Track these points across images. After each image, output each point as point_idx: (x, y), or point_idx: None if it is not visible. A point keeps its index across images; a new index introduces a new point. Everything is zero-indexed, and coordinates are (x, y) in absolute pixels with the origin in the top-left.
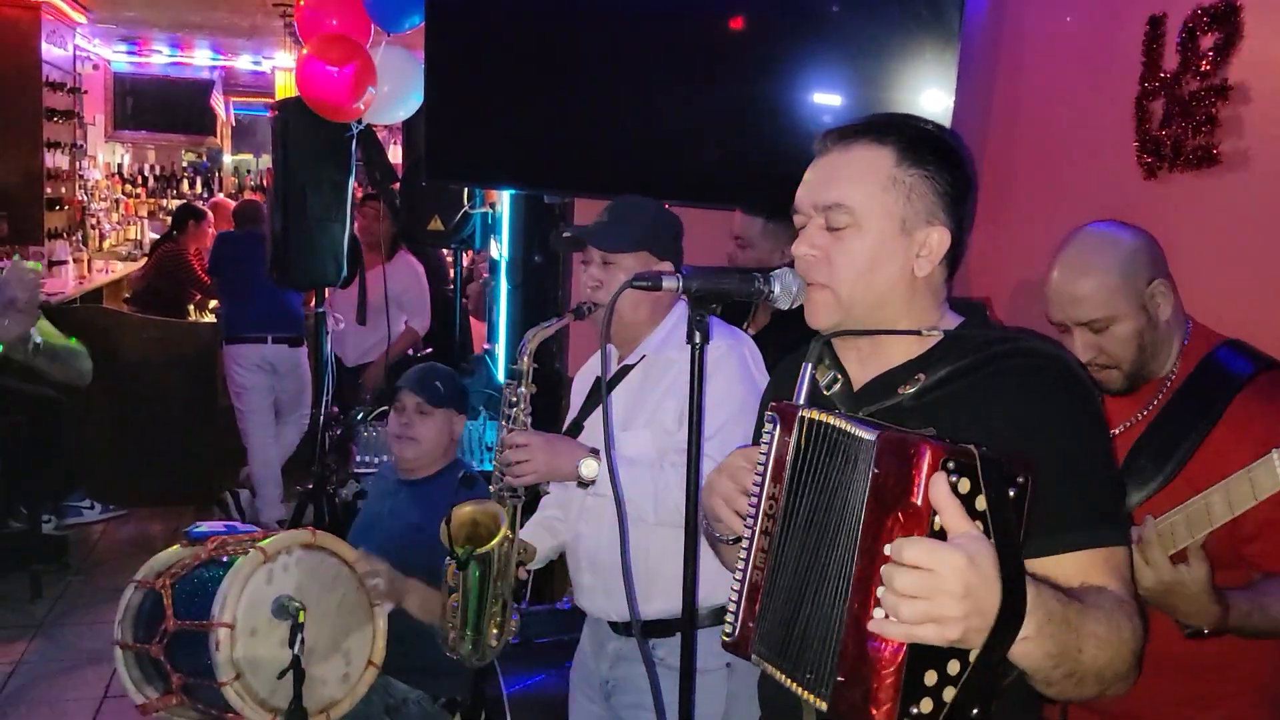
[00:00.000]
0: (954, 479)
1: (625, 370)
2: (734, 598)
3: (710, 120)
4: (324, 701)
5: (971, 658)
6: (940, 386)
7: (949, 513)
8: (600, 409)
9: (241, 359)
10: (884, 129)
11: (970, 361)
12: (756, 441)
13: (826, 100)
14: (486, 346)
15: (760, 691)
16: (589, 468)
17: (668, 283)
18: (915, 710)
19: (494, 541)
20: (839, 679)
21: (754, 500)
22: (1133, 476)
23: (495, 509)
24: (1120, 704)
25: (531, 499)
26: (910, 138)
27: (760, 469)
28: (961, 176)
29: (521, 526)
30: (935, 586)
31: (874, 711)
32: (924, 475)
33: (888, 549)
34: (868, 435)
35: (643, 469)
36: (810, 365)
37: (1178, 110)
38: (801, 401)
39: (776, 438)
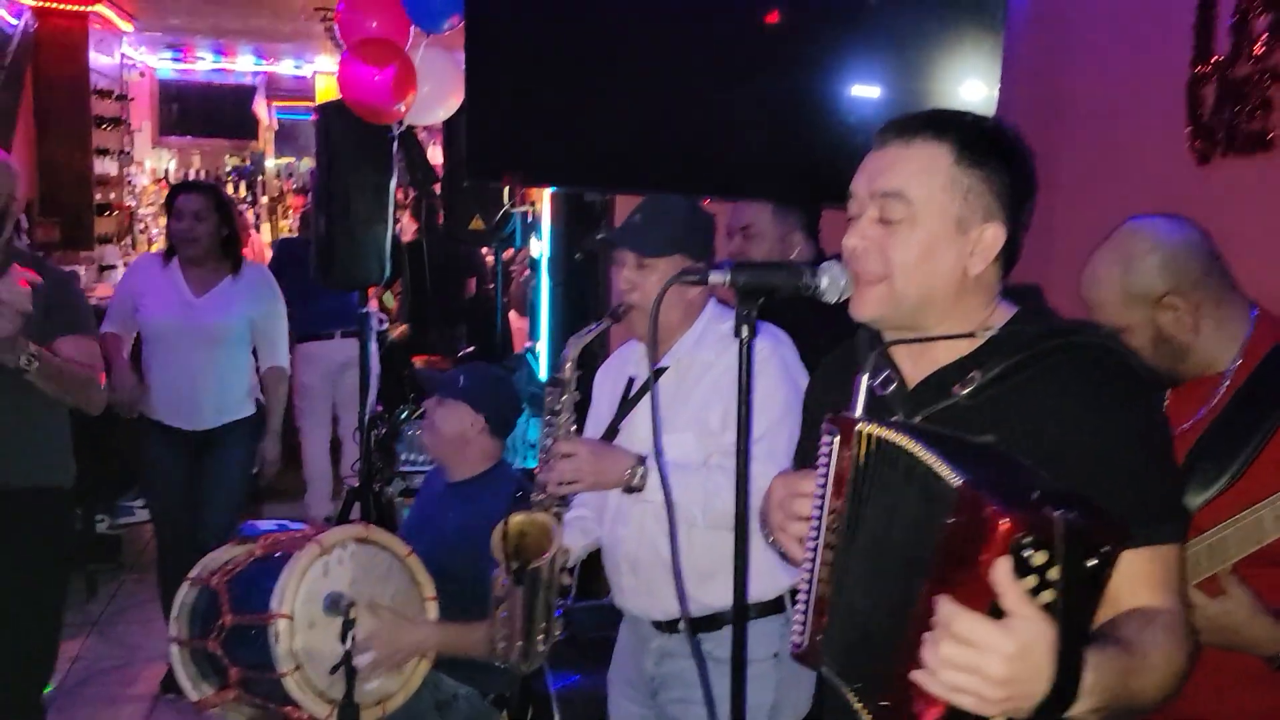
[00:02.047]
0: (1028, 553)
1: (658, 373)
2: (800, 608)
3: (749, 114)
4: (378, 694)
5: None
6: (995, 384)
7: (1011, 597)
8: (636, 410)
9: (311, 359)
10: (945, 125)
11: (1024, 357)
12: (803, 444)
13: (866, 92)
14: (528, 344)
15: (825, 706)
16: (639, 475)
17: (715, 277)
18: None
19: (545, 557)
20: (883, 703)
21: (816, 514)
22: (1194, 478)
23: (546, 521)
24: (1195, 711)
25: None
26: (970, 136)
27: (821, 482)
28: (1021, 176)
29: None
30: (978, 665)
31: None
32: (994, 551)
33: (943, 603)
34: (955, 480)
35: (690, 473)
36: (865, 377)
37: (1230, 95)
38: (859, 414)
39: (836, 451)
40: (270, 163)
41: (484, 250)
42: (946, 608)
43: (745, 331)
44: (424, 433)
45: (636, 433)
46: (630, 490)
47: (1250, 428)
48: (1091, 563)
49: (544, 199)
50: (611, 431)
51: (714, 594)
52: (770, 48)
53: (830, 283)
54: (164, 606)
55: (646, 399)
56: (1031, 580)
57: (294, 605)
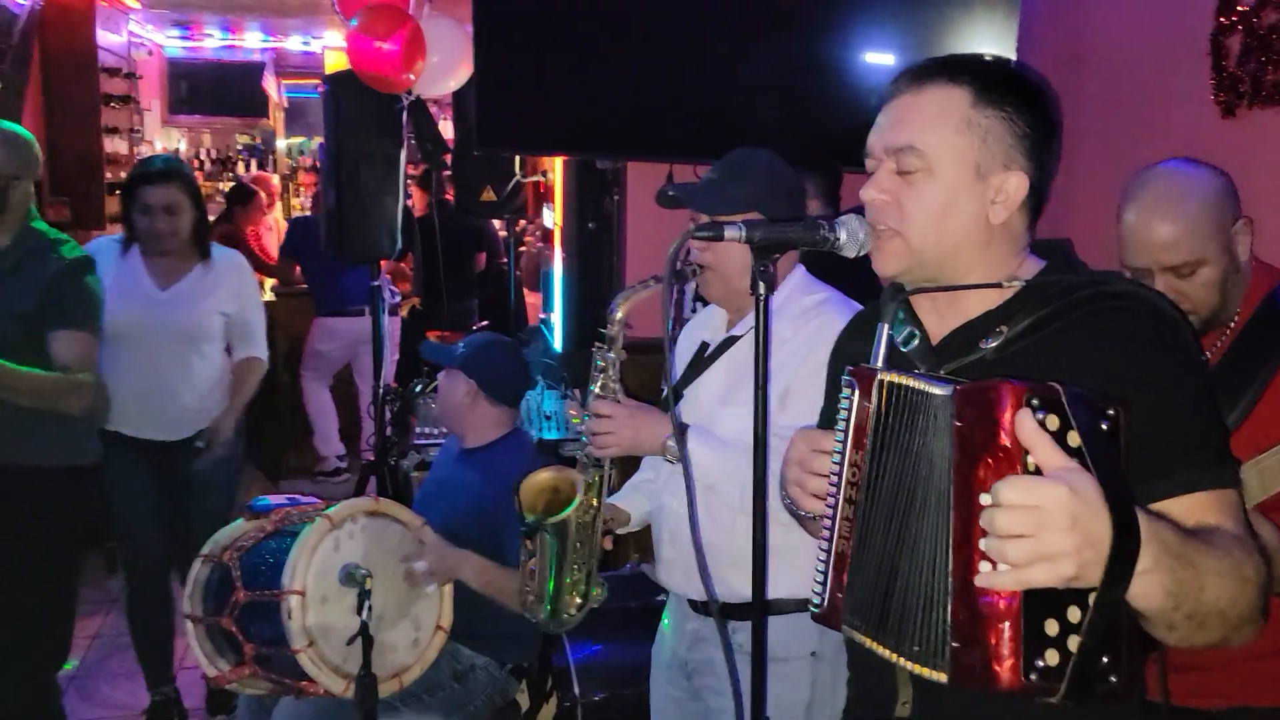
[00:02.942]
0: (1040, 416)
1: (730, 341)
2: (820, 568)
3: (763, 80)
4: (395, 667)
5: (1091, 599)
6: (1024, 337)
7: (1041, 448)
8: (703, 377)
9: (336, 332)
10: (959, 68)
11: (1054, 309)
12: (828, 406)
13: (880, 56)
14: (542, 316)
15: (851, 662)
16: (675, 445)
17: (730, 232)
18: (1041, 663)
19: (568, 511)
20: (954, 645)
21: (835, 469)
22: None
23: (574, 476)
24: (1189, 655)
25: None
26: (987, 77)
27: (840, 436)
28: (1042, 118)
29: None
30: (1041, 522)
31: (997, 669)
32: (1009, 416)
33: (984, 498)
34: (942, 391)
35: (737, 453)
36: (886, 325)
37: (1256, 45)
38: (879, 364)
39: (855, 403)
40: (281, 143)
41: (496, 223)
42: (991, 489)
43: (761, 288)
44: (435, 402)
45: (700, 400)
46: (671, 460)
47: (1250, 374)
48: (1104, 425)
49: (555, 168)
50: (675, 396)
51: (746, 582)
52: (782, 13)
53: (849, 236)
54: (137, 646)
55: (713, 367)
56: (1055, 443)
57: (305, 581)
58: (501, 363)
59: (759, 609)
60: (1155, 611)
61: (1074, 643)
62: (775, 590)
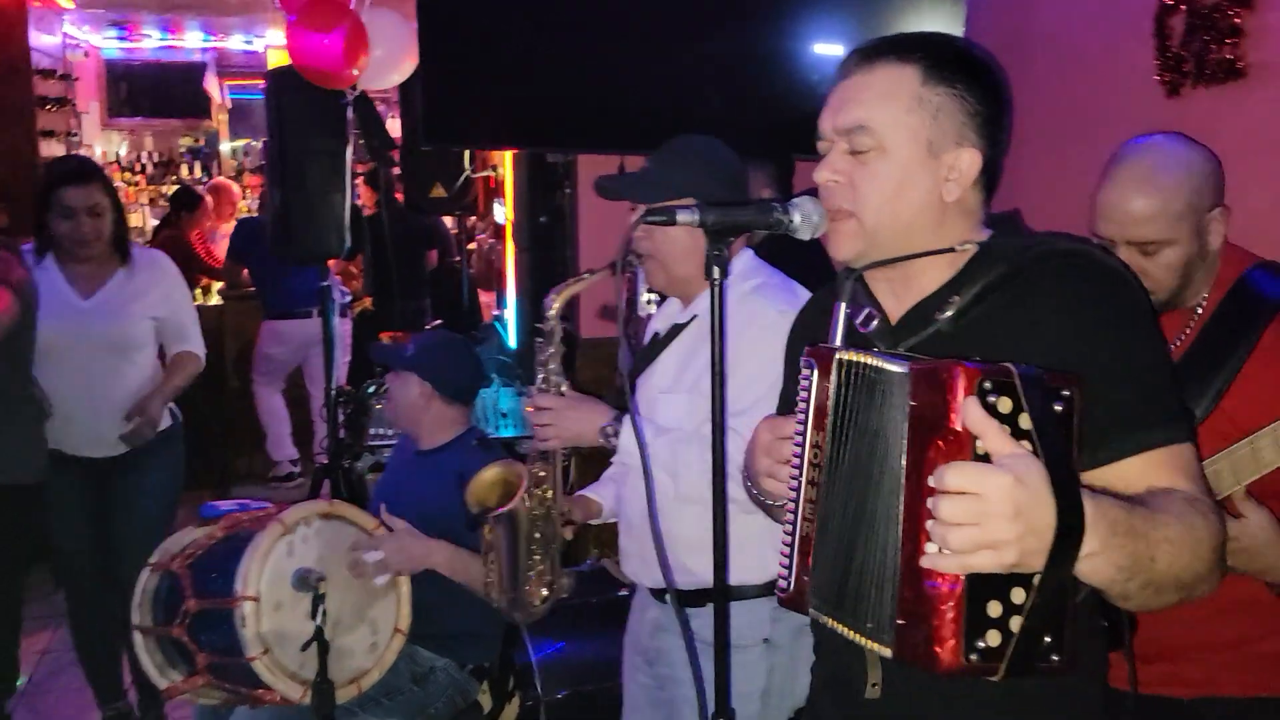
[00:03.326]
0: (992, 399)
1: (677, 329)
2: (785, 551)
3: (714, 69)
4: (353, 672)
5: (1035, 582)
6: (977, 304)
7: (990, 435)
8: (654, 366)
9: (285, 335)
10: (909, 46)
11: (1004, 272)
12: (787, 392)
13: (830, 46)
14: (496, 313)
15: (818, 646)
16: (612, 434)
17: (683, 216)
18: (982, 644)
19: (511, 503)
20: (899, 623)
21: (798, 451)
22: None
23: (520, 468)
24: (1179, 642)
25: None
26: (937, 55)
27: (801, 418)
28: (993, 95)
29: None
30: (983, 510)
31: (938, 651)
32: (960, 399)
33: (932, 480)
34: (899, 368)
35: (664, 439)
36: (844, 304)
37: (1199, 23)
38: (838, 343)
39: (815, 384)
40: (226, 146)
41: (447, 220)
42: (936, 473)
43: (716, 272)
44: (387, 406)
45: (649, 389)
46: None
47: (1219, 361)
48: (1058, 406)
49: (506, 163)
50: (630, 385)
51: (702, 567)
52: (729, 4)
53: (803, 218)
54: (83, 663)
55: (663, 355)
56: (1005, 428)
57: (259, 587)
58: (454, 361)
59: (721, 594)
60: (1106, 585)
61: (1016, 624)
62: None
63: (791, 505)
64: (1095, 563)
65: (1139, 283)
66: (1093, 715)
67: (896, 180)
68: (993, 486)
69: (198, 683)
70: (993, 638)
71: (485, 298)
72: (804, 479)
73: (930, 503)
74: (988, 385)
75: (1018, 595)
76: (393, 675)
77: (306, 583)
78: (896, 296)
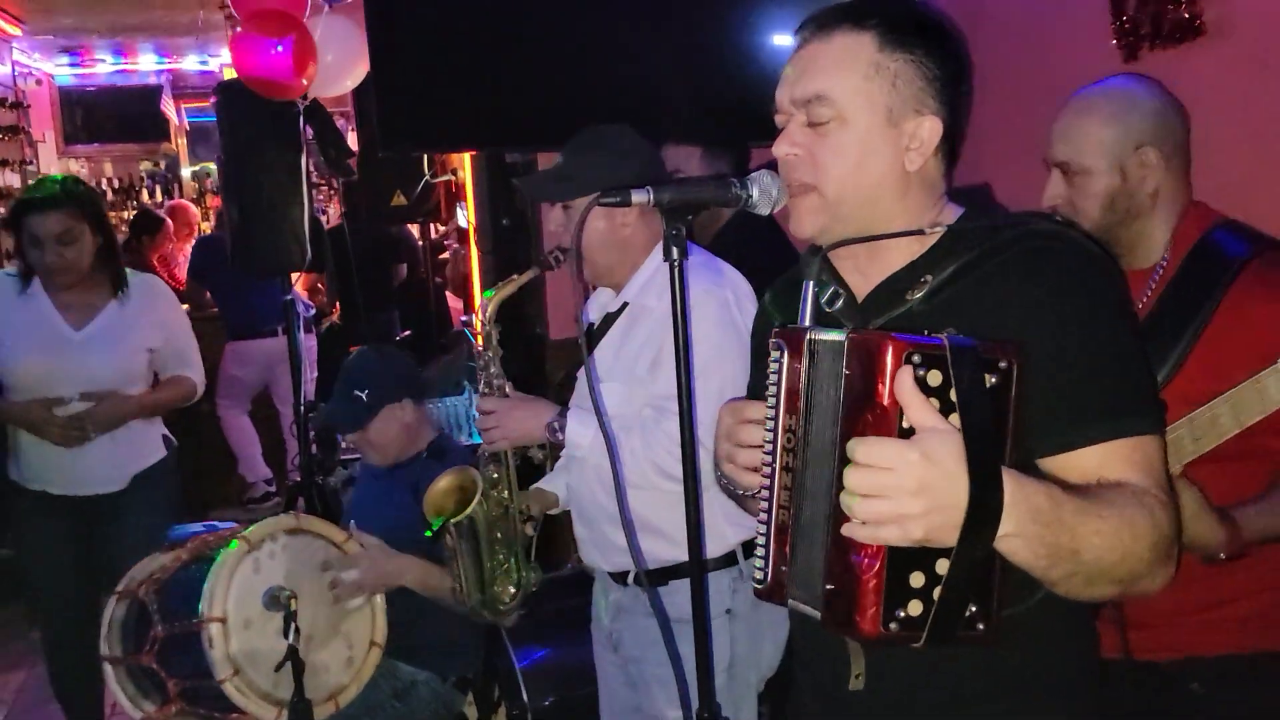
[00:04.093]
0: (922, 372)
1: (610, 319)
2: (761, 541)
3: (667, 60)
4: (330, 689)
5: (954, 552)
6: (951, 284)
7: (913, 408)
8: (591, 357)
9: (248, 356)
10: (864, 13)
11: (978, 254)
12: (754, 378)
13: (786, 31)
14: (464, 318)
15: (795, 633)
16: (559, 429)
17: (637, 196)
18: (903, 614)
19: (467, 510)
20: (828, 587)
21: (770, 439)
22: None
23: (473, 474)
24: (1141, 612)
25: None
26: (892, 20)
27: (772, 403)
28: (952, 59)
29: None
30: (888, 484)
31: (858, 619)
32: (888, 372)
33: (852, 447)
34: (839, 336)
35: (611, 429)
36: (811, 283)
37: None
38: (806, 323)
39: (786, 366)
40: (186, 171)
41: (413, 228)
42: (851, 444)
43: (675, 253)
44: (371, 455)
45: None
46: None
47: (1182, 322)
48: (992, 379)
49: (465, 166)
50: (570, 379)
51: (657, 548)
52: None
53: (761, 193)
54: (66, 711)
55: (599, 346)
56: (933, 403)
57: (225, 607)
58: (401, 366)
59: (697, 567)
60: (1027, 568)
61: (938, 593)
62: (677, 555)
63: (765, 493)
64: (1013, 544)
65: (1116, 269)
66: (1083, 690)
67: (857, 151)
68: (899, 460)
69: (170, 710)
70: (914, 607)
71: (455, 305)
72: (778, 465)
73: (844, 473)
74: (916, 359)
75: (941, 566)
76: (373, 691)
77: (277, 601)
78: (862, 273)
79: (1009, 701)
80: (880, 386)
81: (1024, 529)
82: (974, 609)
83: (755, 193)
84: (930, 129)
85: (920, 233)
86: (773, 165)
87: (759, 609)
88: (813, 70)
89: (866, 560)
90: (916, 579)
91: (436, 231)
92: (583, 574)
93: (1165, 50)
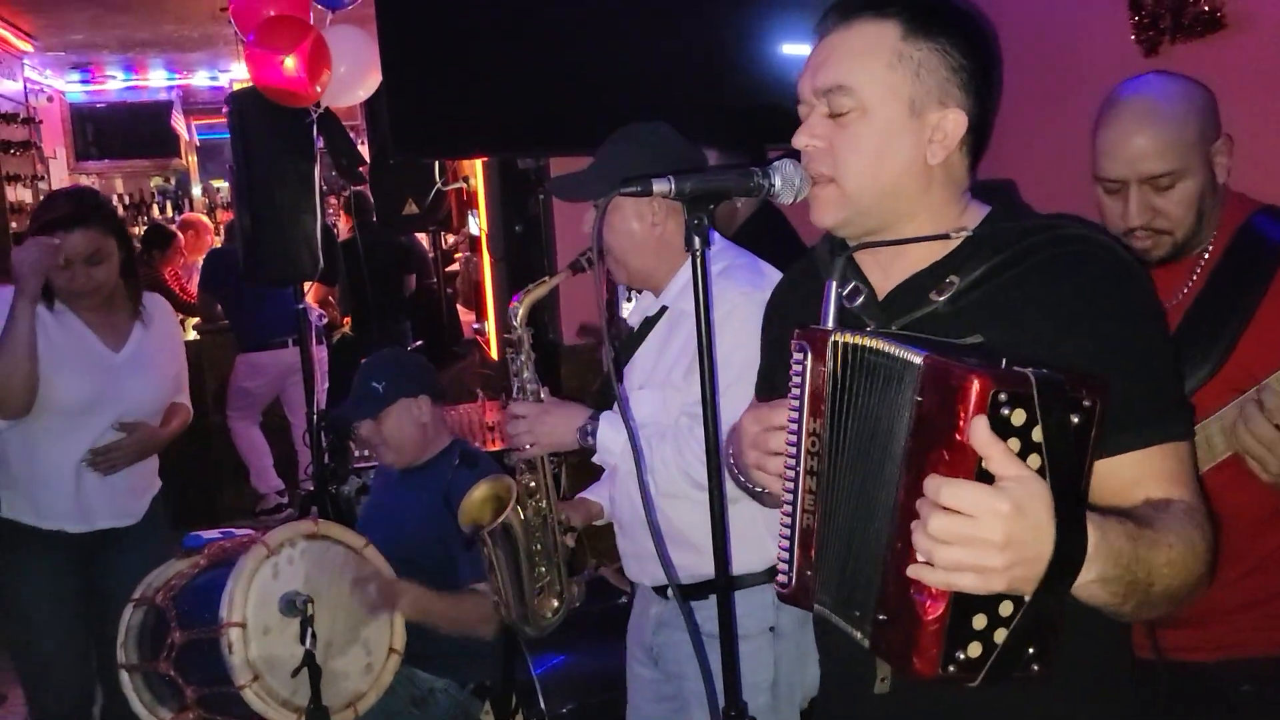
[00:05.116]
0: (1005, 411)
1: (649, 323)
2: (784, 545)
3: (681, 63)
4: (349, 695)
5: (1027, 598)
6: (976, 288)
7: (996, 457)
8: (632, 362)
9: (260, 367)
10: (887, 1)
11: (1007, 256)
12: (765, 369)
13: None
14: (475, 326)
15: (822, 642)
16: (591, 434)
17: (659, 186)
18: (962, 656)
19: (501, 517)
20: (880, 617)
21: (793, 441)
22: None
23: (508, 482)
24: (1204, 605)
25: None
26: (917, 8)
27: (795, 405)
28: (979, 50)
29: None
30: (973, 534)
31: (915, 659)
32: (970, 411)
33: (927, 488)
34: (915, 358)
35: (641, 439)
36: (834, 283)
37: None
38: (830, 325)
39: (809, 369)
40: (197, 190)
41: (422, 237)
42: (931, 483)
43: (697, 242)
44: (385, 454)
45: (630, 385)
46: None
47: (1230, 308)
48: (1075, 419)
49: (477, 173)
50: (608, 386)
51: (696, 561)
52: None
53: (784, 182)
54: None
55: (640, 350)
56: (1014, 443)
57: (245, 612)
58: (418, 365)
59: (725, 584)
60: (1099, 606)
61: (1000, 635)
62: (712, 568)
63: (789, 497)
64: (1091, 589)
65: (1145, 274)
66: (1118, 690)
67: (878, 142)
68: (987, 510)
69: (188, 718)
70: (973, 649)
71: (466, 316)
72: (801, 469)
73: (920, 510)
74: (1002, 397)
75: (1006, 609)
76: (391, 699)
77: (295, 607)
78: (884, 270)
79: (1040, 703)
80: (960, 424)
81: (1106, 574)
82: (1032, 650)
83: (778, 182)
84: (955, 122)
85: (945, 237)
86: (795, 155)
87: (805, 626)
88: (834, 60)
89: (930, 602)
90: (979, 621)
91: (446, 242)
92: (602, 580)
93: (1186, 43)
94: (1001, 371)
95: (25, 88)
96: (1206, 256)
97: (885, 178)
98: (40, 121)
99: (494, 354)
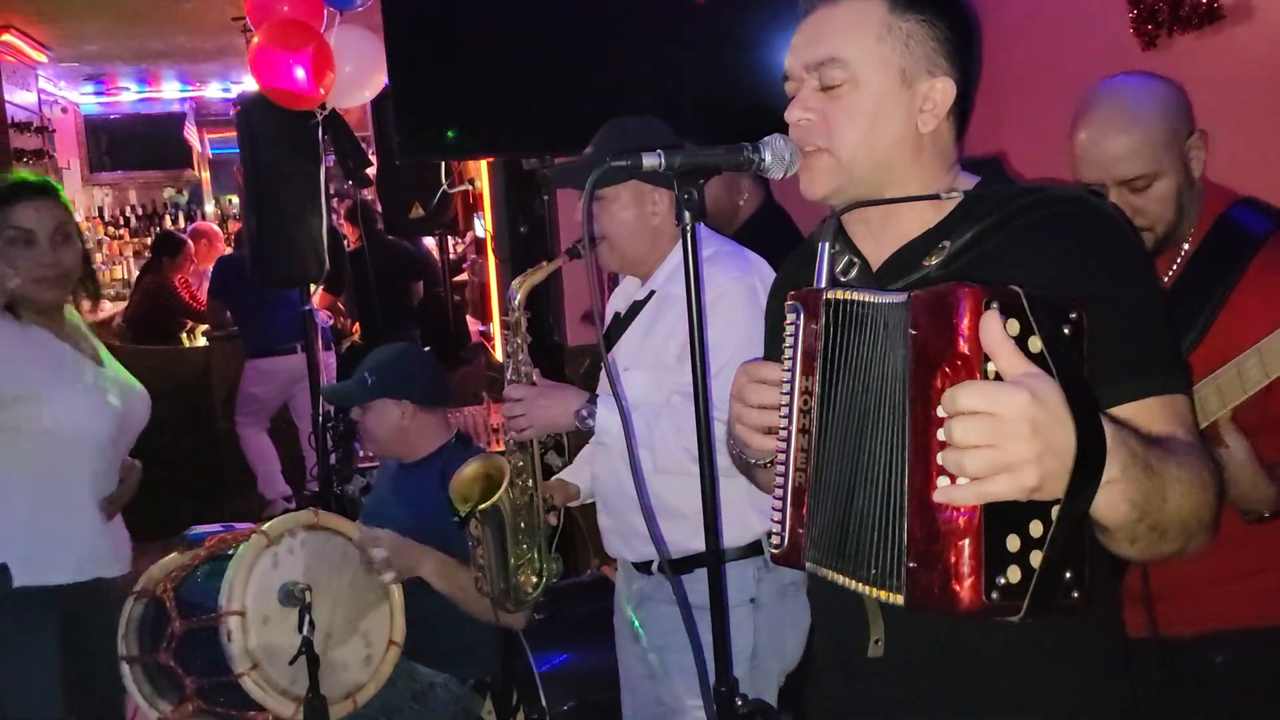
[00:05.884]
0: (1002, 320)
1: (637, 306)
2: (777, 506)
3: (683, 62)
4: (348, 686)
5: (1054, 512)
6: (968, 250)
7: (1003, 354)
8: (618, 345)
9: (268, 373)
10: None
11: (996, 219)
12: (769, 353)
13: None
14: (481, 329)
15: (814, 602)
16: (587, 416)
17: (648, 160)
18: (1003, 580)
19: (495, 496)
20: (911, 565)
21: (785, 401)
22: None
23: (500, 461)
24: (1181, 579)
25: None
26: None
27: (788, 365)
28: (961, 21)
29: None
30: (1000, 430)
31: (957, 588)
32: (966, 320)
33: (940, 411)
34: (900, 298)
35: (639, 417)
36: (826, 244)
37: None
38: (823, 284)
39: (802, 328)
40: (210, 206)
41: (428, 242)
42: (946, 396)
43: (687, 217)
44: (367, 443)
45: (616, 367)
46: (585, 431)
47: (1204, 295)
48: (1067, 329)
49: (483, 175)
50: (596, 368)
51: (683, 535)
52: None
53: (774, 157)
54: None
55: (626, 334)
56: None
57: (244, 601)
58: (418, 368)
59: (714, 557)
60: (1119, 523)
61: (1036, 558)
62: (701, 542)
63: (782, 457)
64: (1113, 493)
65: (1135, 229)
66: (1110, 664)
67: (871, 112)
68: (1008, 404)
69: (187, 709)
70: (1013, 574)
71: (474, 324)
72: (794, 428)
73: (940, 432)
74: (995, 305)
75: (1036, 528)
76: (390, 692)
77: (293, 596)
78: (876, 241)
79: (1034, 675)
80: (960, 338)
81: (1126, 472)
82: (1069, 575)
83: (768, 156)
84: (943, 90)
85: (936, 197)
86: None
87: (784, 599)
88: (824, 34)
89: (963, 522)
90: (1013, 542)
91: (454, 250)
92: (603, 579)
93: (1184, 35)
94: (987, 284)
95: (39, 98)
96: (1188, 245)
97: (879, 147)
98: (54, 131)
99: (499, 356)
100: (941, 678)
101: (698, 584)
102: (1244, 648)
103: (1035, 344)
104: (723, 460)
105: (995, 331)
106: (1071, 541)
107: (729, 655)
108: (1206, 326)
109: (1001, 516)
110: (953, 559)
